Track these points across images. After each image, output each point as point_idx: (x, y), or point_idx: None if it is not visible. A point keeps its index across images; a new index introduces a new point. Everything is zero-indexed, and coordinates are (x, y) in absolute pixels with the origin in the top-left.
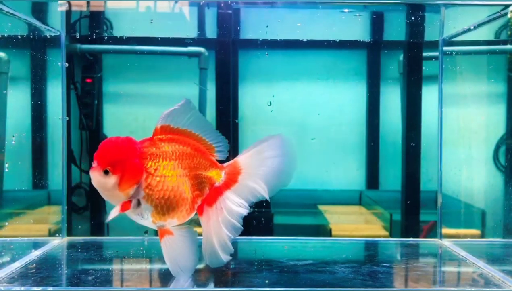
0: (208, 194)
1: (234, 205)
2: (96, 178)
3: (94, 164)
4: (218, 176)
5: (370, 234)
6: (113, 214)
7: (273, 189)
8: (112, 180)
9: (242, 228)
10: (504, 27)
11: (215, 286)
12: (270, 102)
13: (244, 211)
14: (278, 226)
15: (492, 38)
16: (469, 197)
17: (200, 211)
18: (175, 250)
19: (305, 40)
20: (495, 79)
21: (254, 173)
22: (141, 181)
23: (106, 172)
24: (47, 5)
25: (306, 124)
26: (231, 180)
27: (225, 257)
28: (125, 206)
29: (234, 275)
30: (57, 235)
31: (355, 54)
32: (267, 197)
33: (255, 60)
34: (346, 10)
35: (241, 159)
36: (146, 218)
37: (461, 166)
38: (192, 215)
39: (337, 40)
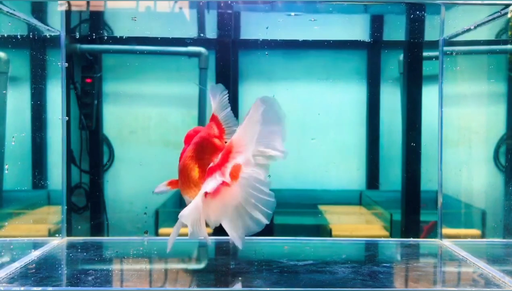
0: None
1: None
2: None
3: None
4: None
5: (370, 234)
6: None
7: (276, 147)
8: None
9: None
10: (505, 28)
11: (215, 286)
12: None
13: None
14: (278, 226)
15: (492, 38)
16: (469, 197)
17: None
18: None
19: (305, 40)
20: (495, 79)
21: (242, 145)
22: None
23: None
24: (47, 5)
25: (306, 124)
26: (223, 159)
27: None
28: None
29: (234, 275)
30: (57, 235)
31: (355, 54)
32: (249, 160)
33: (255, 60)
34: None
35: (234, 135)
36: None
37: (461, 166)
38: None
39: (337, 40)
